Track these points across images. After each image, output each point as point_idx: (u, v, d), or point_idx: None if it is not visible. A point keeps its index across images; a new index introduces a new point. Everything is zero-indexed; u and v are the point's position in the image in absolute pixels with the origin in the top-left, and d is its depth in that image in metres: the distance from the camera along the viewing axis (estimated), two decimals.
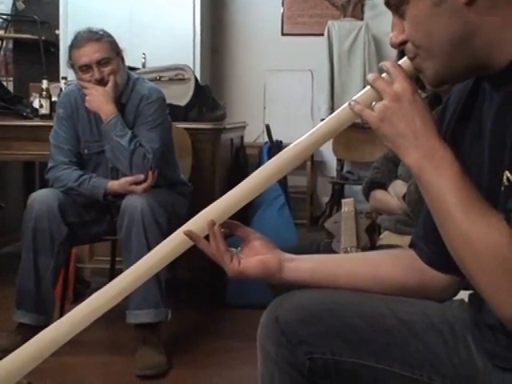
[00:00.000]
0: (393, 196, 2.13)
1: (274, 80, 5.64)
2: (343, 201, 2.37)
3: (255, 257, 1.21)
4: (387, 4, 1.06)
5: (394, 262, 1.21)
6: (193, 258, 2.89)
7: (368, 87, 1.09)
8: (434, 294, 1.19)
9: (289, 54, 5.60)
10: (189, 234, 1.20)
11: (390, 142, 1.02)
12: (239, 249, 1.25)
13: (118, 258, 3.06)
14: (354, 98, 1.10)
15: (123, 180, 2.59)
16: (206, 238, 1.21)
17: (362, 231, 2.13)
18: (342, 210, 2.28)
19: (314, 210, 5.52)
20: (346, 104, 1.11)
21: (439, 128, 1.04)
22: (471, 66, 1.01)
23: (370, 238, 2.12)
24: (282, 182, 3.98)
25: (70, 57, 2.60)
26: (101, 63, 2.57)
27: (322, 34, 5.36)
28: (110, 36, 2.65)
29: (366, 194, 2.26)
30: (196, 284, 3.32)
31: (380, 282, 1.19)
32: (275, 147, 4.10)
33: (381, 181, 2.21)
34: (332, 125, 1.12)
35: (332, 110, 5.32)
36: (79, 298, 3.22)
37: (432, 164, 0.98)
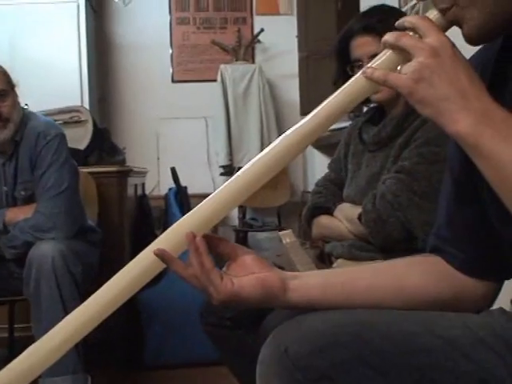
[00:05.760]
0: (341, 220, 1.93)
1: (167, 129, 5.40)
2: (280, 233, 2.17)
3: (251, 275, 0.96)
4: None
5: (422, 270, 0.99)
6: None
7: (385, 51, 0.88)
8: (469, 304, 0.99)
9: (181, 101, 5.41)
10: (160, 254, 0.94)
11: (429, 107, 0.81)
12: (224, 269, 1.00)
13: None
14: (368, 65, 0.89)
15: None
16: None
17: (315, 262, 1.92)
18: (283, 241, 2.07)
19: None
20: (359, 74, 0.90)
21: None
22: None
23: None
24: None
25: None
26: None
27: (215, 80, 5.21)
28: (1, 67, 2.34)
29: (309, 221, 2.04)
30: (108, 344, 2.95)
31: (408, 296, 0.97)
32: (182, 192, 3.83)
33: (325, 205, 2.01)
34: (342, 100, 0.91)
35: (231, 155, 5.15)
36: None
37: (493, 128, 0.78)
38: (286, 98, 5.35)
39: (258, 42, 5.33)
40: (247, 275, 0.96)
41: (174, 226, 0.97)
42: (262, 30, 5.23)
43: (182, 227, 0.96)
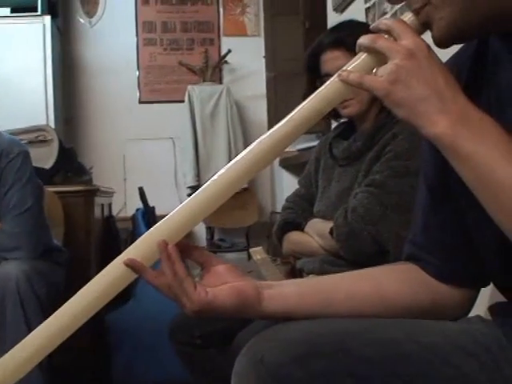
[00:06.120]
0: (312, 235, 1.92)
1: (134, 150, 5.36)
2: (251, 250, 2.16)
3: (225, 284, 0.93)
4: None
5: (399, 277, 0.98)
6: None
7: (360, 54, 0.87)
8: (448, 311, 0.97)
9: (148, 122, 5.37)
10: (131, 263, 0.91)
11: (406, 109, 0.80)
12: (197, 278, 0.97)
13: None
14: (343, 68, 0.88)
15: None
16: None
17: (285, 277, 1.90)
18: (254, 258, 2.05)
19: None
20: (334, 77, 0.89)
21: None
22: (493, 17, 0.83)
23: None
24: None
25: None
26: None
27: (182, 101, 5.20)
28: None
29: (280, 237, 2.02)
30: (74, 366, 2.87)
31: (385, 302, 0.95)
32: (150, 212, 3.79)
33: (295, 221, 1.99)
34: (316, 104, 0.89)
35: (198, 176, 5.11)
36: None
37: (470, 130, 0.77)
38: (254, 118, 5.35)
39: (226, 62, 5.34)
40: (221, 285, 0.94)
41: (144, 235, 0.94)
42: (229, 51, 5.24)
43: (153, 237, 0.93)
